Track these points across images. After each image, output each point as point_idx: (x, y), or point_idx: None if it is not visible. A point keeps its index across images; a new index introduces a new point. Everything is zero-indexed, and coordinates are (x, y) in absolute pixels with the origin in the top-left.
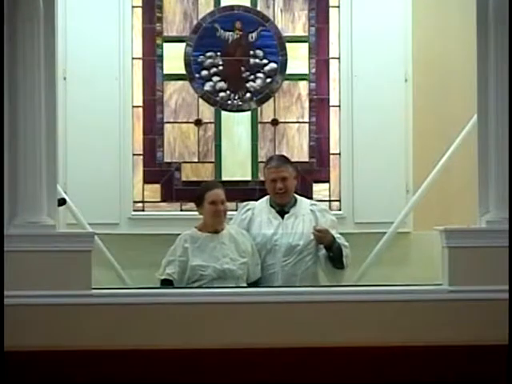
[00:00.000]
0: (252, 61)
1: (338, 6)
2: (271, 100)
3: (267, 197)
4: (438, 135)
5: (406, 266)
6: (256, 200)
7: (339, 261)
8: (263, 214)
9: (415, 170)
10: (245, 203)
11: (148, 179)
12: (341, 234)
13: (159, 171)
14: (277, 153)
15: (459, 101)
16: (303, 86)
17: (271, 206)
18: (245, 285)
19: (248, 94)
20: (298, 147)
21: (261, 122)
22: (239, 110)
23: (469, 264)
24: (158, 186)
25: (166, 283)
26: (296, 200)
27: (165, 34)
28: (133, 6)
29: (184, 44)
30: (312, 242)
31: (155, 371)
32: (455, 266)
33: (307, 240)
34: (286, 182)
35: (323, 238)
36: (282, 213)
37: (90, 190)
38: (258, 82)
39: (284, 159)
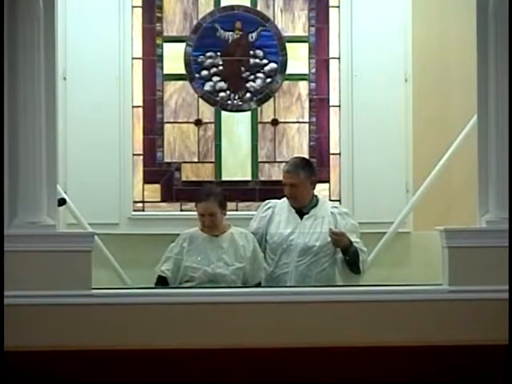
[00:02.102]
0: (252, 61)
1: (338, 6)
2: (271, 100)
3: None
4: (438, 135)
5: (405, 266)
6: (256, 200)
7: (355, 265)
8: (283, 213)
9: (415, 170)
10: (267, 201)
11: (148, 179)
12: None
13: (159, 171)
14: (277, 153)
15: (459, 101)
16: (303, 86)
17: (292, 205)
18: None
19: (248, 94)
20: (298, 147)
21: (261, 122)
22: (239, 110)
23: (469, 264)
24: (157, 186)
25: (161, 279)
26: (318, 201)
27: (165, 34)
28: (133, 6)
29: (184, 44)
30: (329, 244)
31: (155, 371)
32: (455, 266)
33: (324, 241)
34: (294, 189)
35: (339, 241)
36: (301, 213)
37: (89, 190)
38: (258, 81)
39: (298, 164)
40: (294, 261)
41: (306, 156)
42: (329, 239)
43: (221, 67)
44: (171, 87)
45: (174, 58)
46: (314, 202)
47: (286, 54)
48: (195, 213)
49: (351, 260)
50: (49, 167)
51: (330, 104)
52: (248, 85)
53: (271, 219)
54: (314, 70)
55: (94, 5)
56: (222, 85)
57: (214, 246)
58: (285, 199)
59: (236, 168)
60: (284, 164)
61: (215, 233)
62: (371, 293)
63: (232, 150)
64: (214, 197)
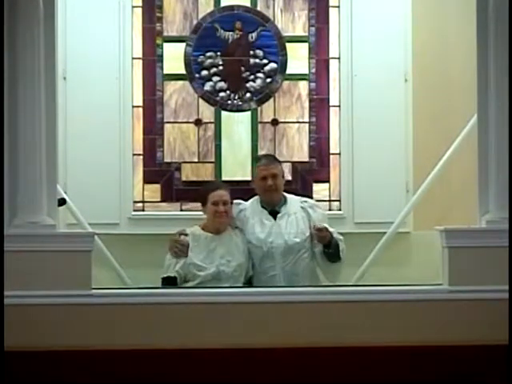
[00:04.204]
0: (252, 61)
1: (338, 6)
2: (271, 100)
3: (257, 197)
4: (438, 135)
5: (405, 266)
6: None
7: (337, 256)
8: (255, 216)
9: (415, 170)
10: (236, 202)
11: (148, 179)
12: (341, 234)
13: (159, 171)
14: (277, 153)
15: (459, 101)
16: (303, 86)
17: (262, 206)
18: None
19: (248, 94)
20: (298, 147)
21: (261, 122)
22: (239, 109)
23: (469, 264)
24: (157, 186)
25: (170, 280)
26: (286, 199)
27: (165, 33)
28: (133, 6)
29: (184, 44)
30: (307, 239)
31: (155, 371)
32: (455, 266)
33: (303, 237)
34: (276, 180)
35: (324, 238)
36: (273, 213)
37: (89, 190)
38: (258, 81)
39: (273, 158)
40: (279, 263)
41: (307, 156)
42: (306, 234)
43: (221, 67)
44: (171, 87)
45: (174, 57)
46: (283, 200)
47: (285, 54)
48: (195, 213)
49: (333, 252)
50: (49, 167)
51: (330, 104)
52: (248, 85)
53: (244, 223)
54: (313, 70)
55: (93, 5)
56: (222, 85)
57: (216, 245)
58: (253, 201)
59: (236, 168)
60: (257, 162)
61: (226, 224)
62: (371, 293)
63: (232, 150)
64: (225, 187)
